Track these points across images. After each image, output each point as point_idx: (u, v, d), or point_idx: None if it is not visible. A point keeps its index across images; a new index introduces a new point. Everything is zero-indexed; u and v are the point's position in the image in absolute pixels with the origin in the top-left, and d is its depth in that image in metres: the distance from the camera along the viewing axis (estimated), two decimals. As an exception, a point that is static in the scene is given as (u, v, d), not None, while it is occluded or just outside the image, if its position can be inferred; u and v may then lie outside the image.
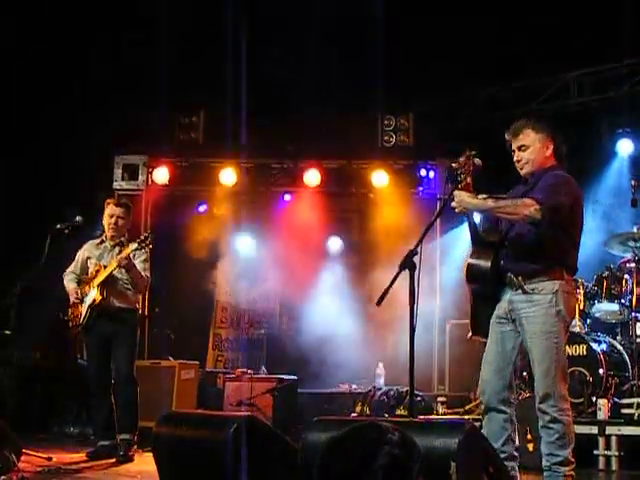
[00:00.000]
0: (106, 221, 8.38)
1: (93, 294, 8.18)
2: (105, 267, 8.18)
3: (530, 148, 5.76)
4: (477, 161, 5.76)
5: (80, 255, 8.53)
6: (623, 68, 11.87)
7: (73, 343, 10.67)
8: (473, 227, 5.77)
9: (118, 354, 8.24)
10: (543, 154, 5.78)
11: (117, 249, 8.28)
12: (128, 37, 11.93)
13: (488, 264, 5.66)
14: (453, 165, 5.85)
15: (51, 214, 8.88)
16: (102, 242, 8.45)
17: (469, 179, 5.66)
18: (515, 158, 5.80)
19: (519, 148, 5.78)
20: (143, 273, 8.27)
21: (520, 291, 5.62)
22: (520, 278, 5.61)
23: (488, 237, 5.74)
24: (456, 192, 5.57)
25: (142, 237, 8.08)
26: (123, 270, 8.13)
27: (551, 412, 5.51)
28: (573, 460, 5.56)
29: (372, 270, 11.84)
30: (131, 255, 8.09)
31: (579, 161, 11.44)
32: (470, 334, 6.01)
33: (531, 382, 6.70)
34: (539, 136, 5.80)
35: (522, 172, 5.82)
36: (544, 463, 5.54)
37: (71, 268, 8.52)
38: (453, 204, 5.60)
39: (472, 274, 5.68)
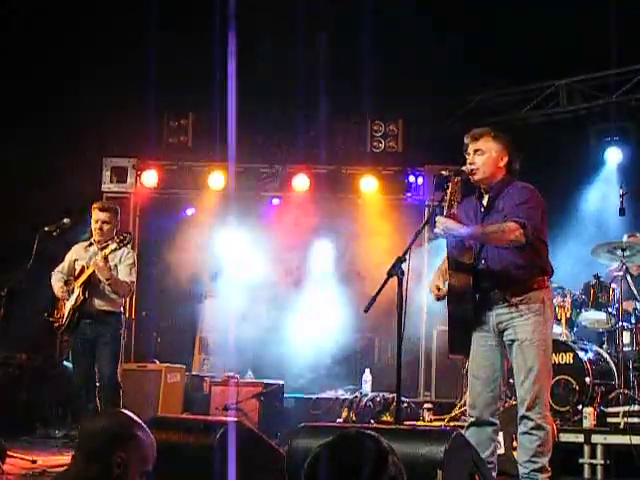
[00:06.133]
0: (92, 226, 8.34)
1: (75, 294, 8.15)
2: (88, 267, 8.15)
3: (485, 155, 5.78)
4: (464, 175, 5.80)
5: (68, 257, 8.49)
6: (612, 77, 11.91)
7: (59, 345, 10.64)
8: (464, 249, 5.76)
9: (101, 358, 8.16)
10: (496, 164, 5.81)
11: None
12: (117, 38, 11.89)
13: (469, 285, 5.67)
14: (443, 173, 5.87)
15: (39, 216, 8.85)
16: (90, 245, 8.41)
17: (454, 209, 5.67)
18: (469, 161, 5.81)
19: (475, 151, 5.80)
20: (128, 278, 8.20)
21: (507, 304, 5.66)
22: (507, 294, 5.65)
23: (460, 257, 5.74)
24: (440, 218, 5.57)
25: (120, 237, 8.05)
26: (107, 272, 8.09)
27: (536, 419, 5.55)
28: (549, 469, 5.61)
29: (360, 276, 11.85)
30: (118, 257, 8.10)
31: (567, 169, 11.56)
32: (449, 353, 6.05)
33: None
34: (496, 146, 5.83)
35: (474, 178, 5.82)
36: (522, 471, 5.57)
37: (59, 268, 8.47)
38: (437, 230, 5.59)
39: (453, 295, 5.68)
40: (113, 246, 7.98)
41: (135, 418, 3.59)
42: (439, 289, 5.91)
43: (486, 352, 5.79)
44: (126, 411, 3.66)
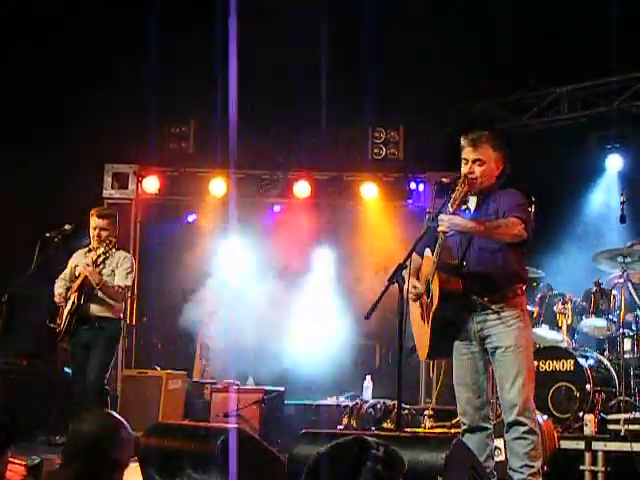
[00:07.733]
0: (91, 232, 8.37)
1: (71, 300, 8.19)
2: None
3: (485, 165, 5.73)
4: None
5: (70, 263, 8.55)
6: (613, 84, 11.92)
7: (60, 350, 10.63)
8: (443, 249, 5.71)
9: (90, 363, 8.18)
10: (493, 173, 5.80)
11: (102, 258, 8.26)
12: (118, 43, 11.90)
13: (460, 287, 5.65)
14: (444, 180, 5.84)
15: (41, 222, 8.86)
16: (90, 251, 8.43)
17: (462, 206, 5.66)
18: (467, 169, 5.73)
19: (474, 161, 5.74)
20: (122, 282, 8.24)
21: (488, 311, 5.64)
22: (487, 299, 5.64)
23: (447, 260, 5.71)
24: (443, 216, 5.56)
25: (107, 241, 8.10)
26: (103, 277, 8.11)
27: (529, 423, 5.57)
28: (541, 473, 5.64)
29: (361, 283, 11.85)
30: (115, 262, 8.16)
31: (568, 176, 11.57)
32: (425, 357, 5.91)
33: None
34: (495, 154, 5.79)
35: (470, 187, 5.75)
36: (518, 477, 5.54)
37: (62, 275, 8.54)
38: (441, 228, 5.56)
39: (447, 297, 5.65)
40: (100, 250, 8.03)
41: (119, 417, 3.66)
42: (415, 287, 5.86)
43: (469, 359, 5.79)
44: (111, 411, 3.72)
